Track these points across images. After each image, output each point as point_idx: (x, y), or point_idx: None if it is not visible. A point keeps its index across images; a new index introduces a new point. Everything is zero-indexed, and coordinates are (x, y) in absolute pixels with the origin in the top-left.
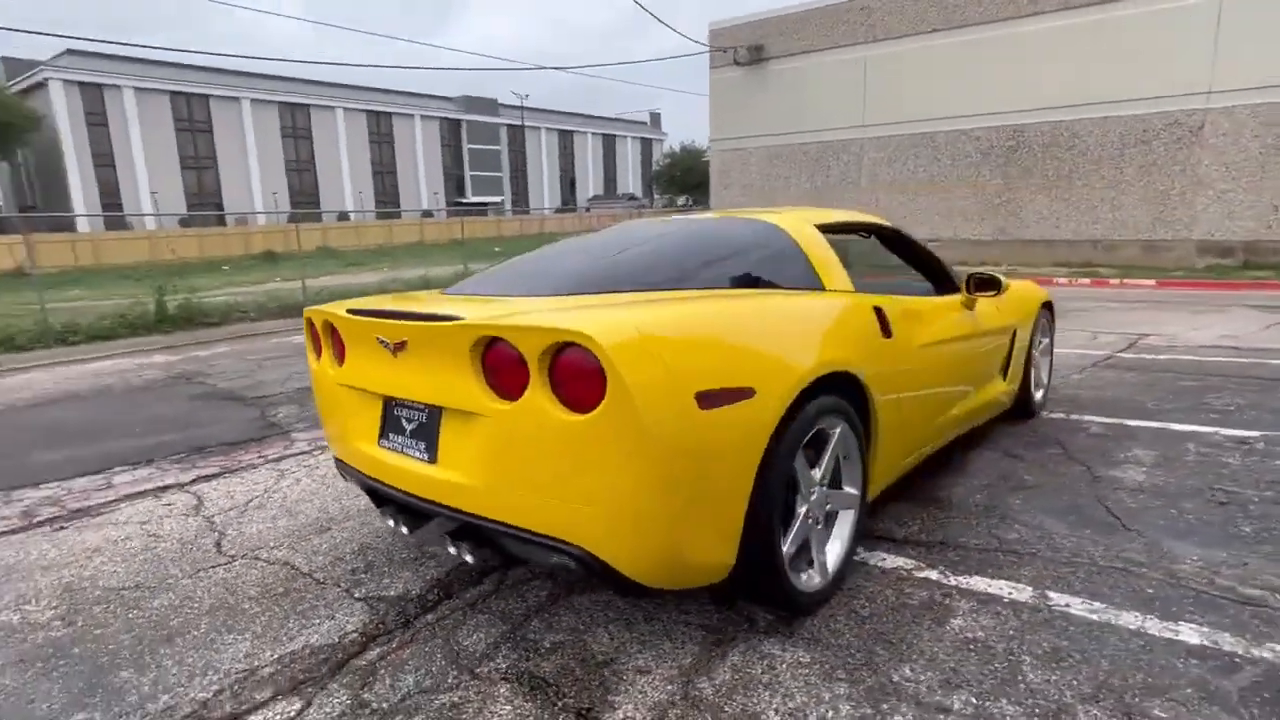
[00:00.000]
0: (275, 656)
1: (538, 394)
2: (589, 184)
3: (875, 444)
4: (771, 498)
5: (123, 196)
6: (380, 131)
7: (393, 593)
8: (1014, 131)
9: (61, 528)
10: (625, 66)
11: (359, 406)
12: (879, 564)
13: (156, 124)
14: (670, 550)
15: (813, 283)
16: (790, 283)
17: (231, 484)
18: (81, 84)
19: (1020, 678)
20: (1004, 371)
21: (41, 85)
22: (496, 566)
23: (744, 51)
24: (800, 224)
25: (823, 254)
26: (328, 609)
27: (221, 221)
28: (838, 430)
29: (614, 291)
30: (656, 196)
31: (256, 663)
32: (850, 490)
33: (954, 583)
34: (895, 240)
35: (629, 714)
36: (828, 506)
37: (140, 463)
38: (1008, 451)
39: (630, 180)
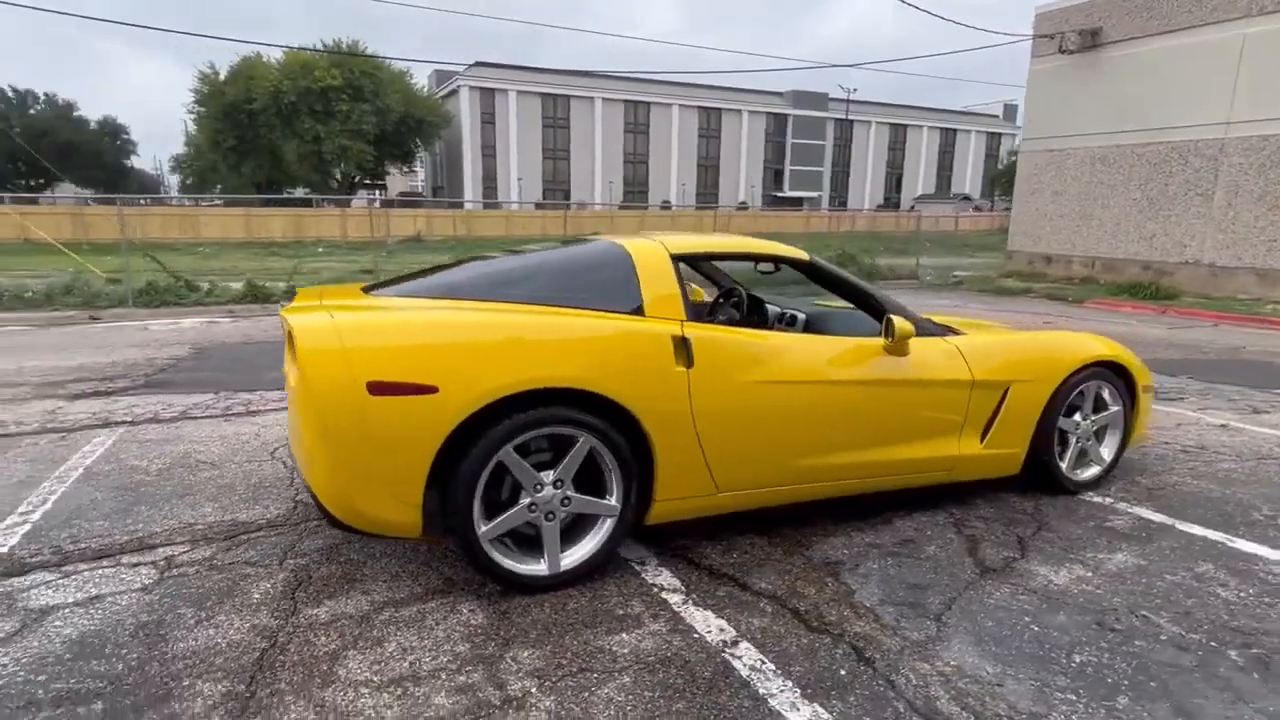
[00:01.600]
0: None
1: (290, 370)
2: (918, 182)
3: (660, 467)
4: (463, 480)
5: (498, 182)
6: (709, 127)
7: (264, 516)
8: None
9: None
10: (985, 59)
11: None
12: (650, 577)
13: (529, 121)
14: (347, 502)
15: (633, 306)
16: (606, 304)
17: None
18: (481, 89)
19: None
20: (984, 432)
21: (455, 91)
22: None
23: (1074, 37)
24: (651, 251)
25: (659, 281)
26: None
27: (565, 206)
28: (580, 441)
29: (465, 299)
30: (997, 197)
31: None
32: (609, 501)
33: (684, 613)
34: (813, 273)
35: (330, 612)
36: (569, 508)
37: None
38: (961, 520)
39: (968, 179)
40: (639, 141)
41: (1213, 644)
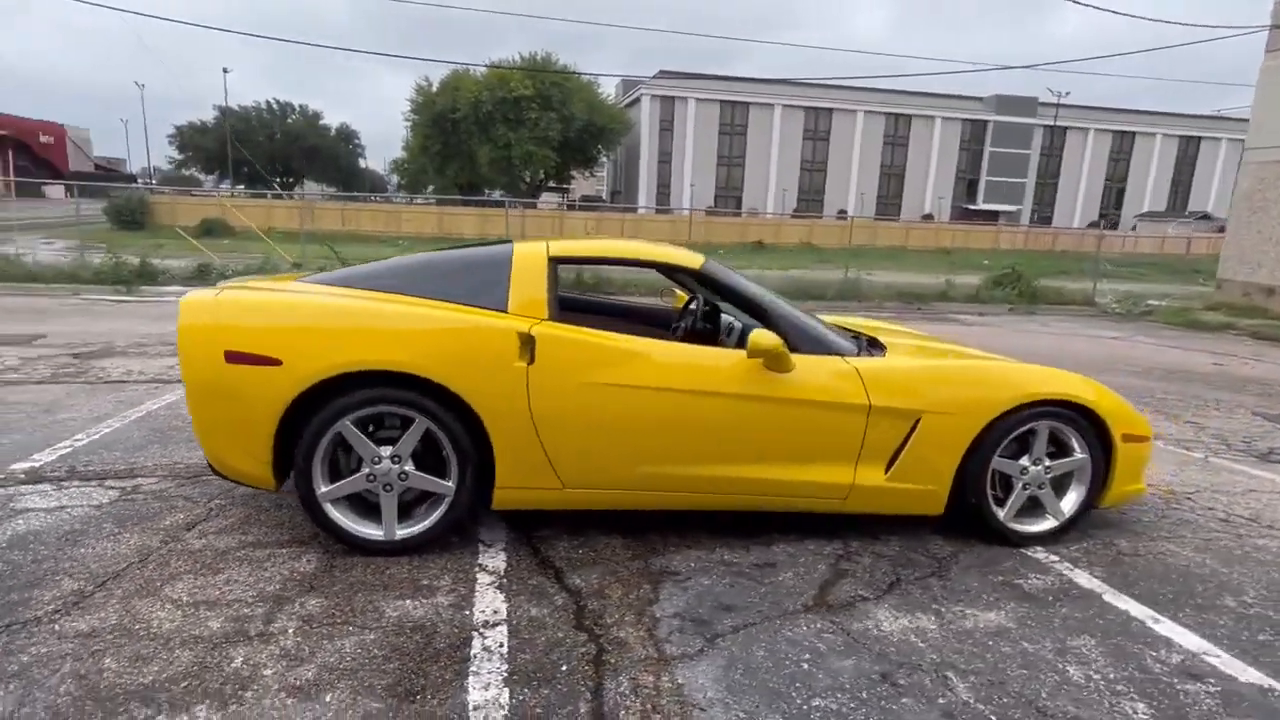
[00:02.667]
0: None
1: None
2: (1144, 197)
3: (499, 455)
4: (304, 444)
5: (671, 188)
6: (896, 133)
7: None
8: None
9: None
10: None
11: None
12: (484, 558)
13: (706, 128)
14: (214, 453)
15: (499, 304)
16: (476, 300)
17: None
18: (662, 97)
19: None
20: (889, 463)
21: (637, 100)
22: None
23: None
24: (531, 253)
25: (528, 281)
26: None
27: (736, 213)
28: (416, 422)
29: (362, 288)
30: None
31: None
32: (447, 482)
33: (480, 594)
34: (703, 281)
35: (204, 544)
36: (406, 482)
37: None
38: (850, 553)
39: (1212, 194)
40: (818, 148)
41: (990, 718)
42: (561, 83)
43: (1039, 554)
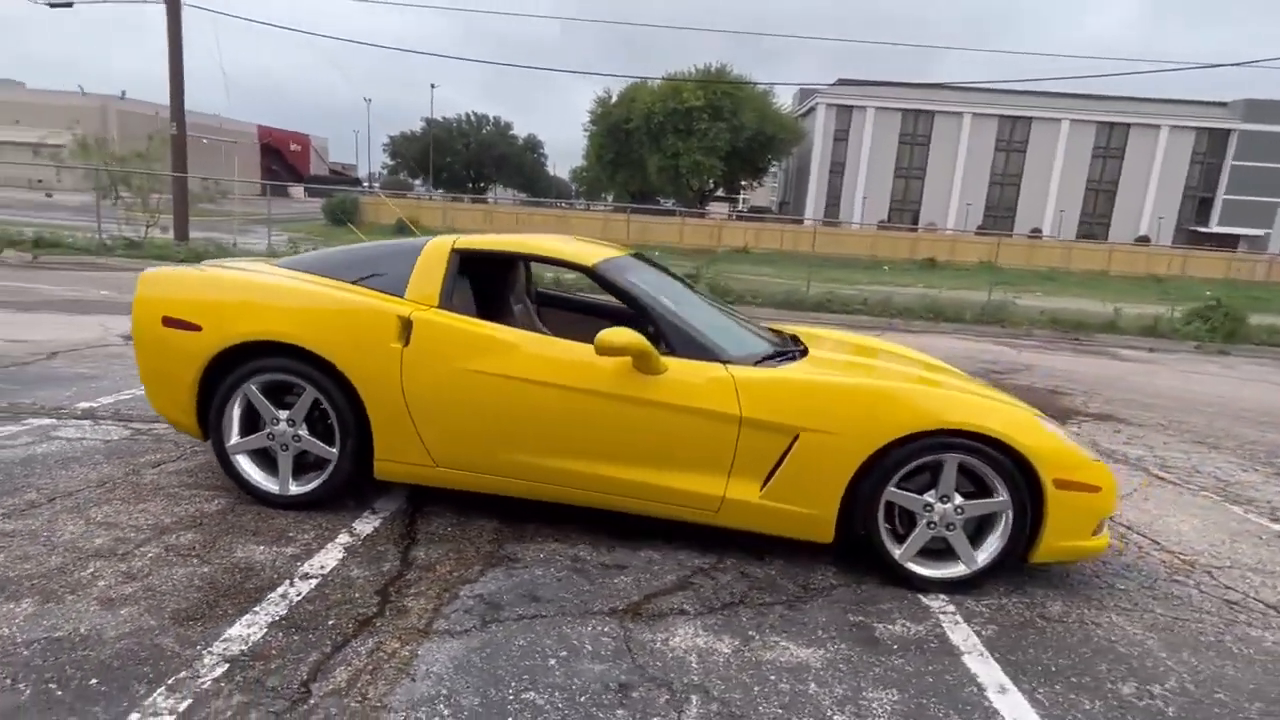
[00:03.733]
0: None
1: None
2: None
3: (375, 429)
4: (216, 401)
5: (841, 200)
6: (1109, 145)
7: None
8: None
9: None
10: None
11: None
12: (354, 521)
13: (884, 138)
14: (154, 403)
15: (399, 290)
16: (383, 286)
17: None
18: (838, 106)
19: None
20: (765, 480)
21: (813, 109)
22: None
23: None
24: (437, 247)
25: (427, 272)
26: None
27: (911, 228)
28: (306, 390)
29: (300, 270)
30: None
31: None
32: (331, 449)
33: (320, 549)
34: (597, 279)
35: (151, 477)
36: (299, 445)
37: None
38: (709, 569)
39: None
40: (1011, 160)
41: None
42: (733, 93)
43: (934, 601)
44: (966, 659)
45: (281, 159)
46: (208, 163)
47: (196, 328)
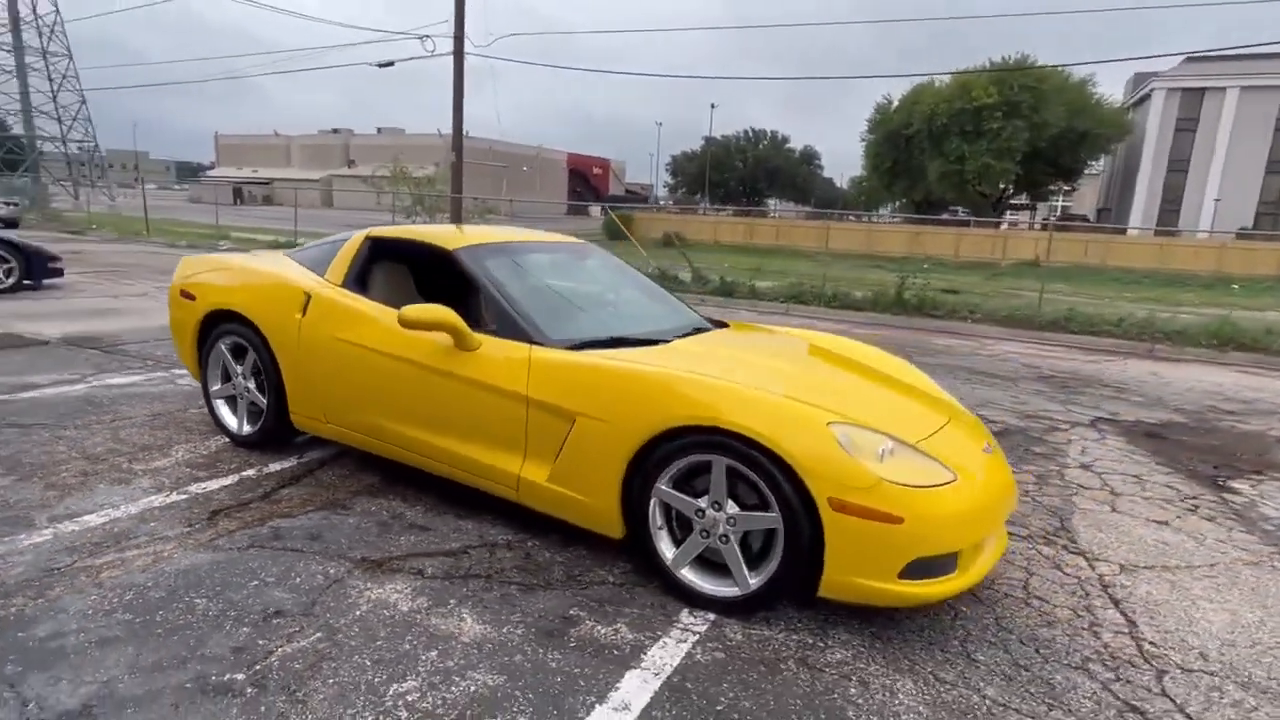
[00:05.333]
0: None
1: None
2: None
3: (287, 386)
4: (203, 357)
5: (1183, 204)
6: None
7: None
8: None
9: None
10: None
11: None
12: (268, 464)
13: (1251, 126)
14: (178, 355)
15: (324, 271)
16: (318, 269)
17: None
18: (1182, 90)
19: None
20: (553, 463)
21: (1147, 97)
22: None
23: None
24: (358, 236)
25: (343, 256)
26: None
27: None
28: (249, 353)
29: (297, 260)
30: None
31: None
32: (261, 398)
33: (251, 470)
34: (457, 267)
35: (143, 420)
36: (250, 396)
37: None
38: (495, 541)
39: None
40: None
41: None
42: (1035, 86)
43: (692, 618)
44: (630, 674)
45: (585, 181)
46: (524, 185)
47: (193, 298)
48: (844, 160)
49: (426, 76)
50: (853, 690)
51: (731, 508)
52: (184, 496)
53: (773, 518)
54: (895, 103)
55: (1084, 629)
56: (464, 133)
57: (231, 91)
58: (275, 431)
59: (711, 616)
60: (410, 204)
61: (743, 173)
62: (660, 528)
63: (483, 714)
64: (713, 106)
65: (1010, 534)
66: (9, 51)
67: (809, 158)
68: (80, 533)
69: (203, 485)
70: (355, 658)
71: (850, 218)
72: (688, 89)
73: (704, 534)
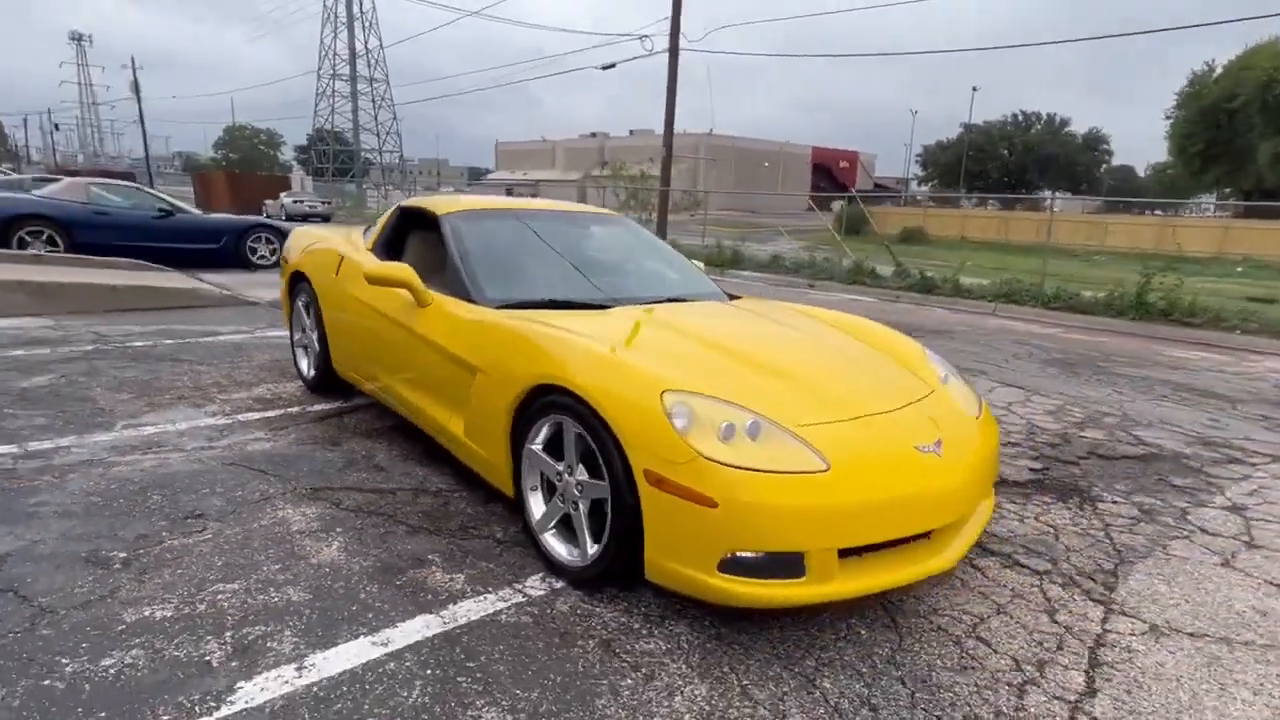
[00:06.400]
0: None
1: None
2: None
3: (326, 330)
4: (292, 309)
5: None
6: None
7: None
8: None
9: None
10: None
11: None
12: (314, 404)
13: None
14: (283, 309)
15: (366, 238)
16: (365, 235)
17: None
18: None
19: None
20: (466, 415)
21: None
22: None
23: None
24: (394, 207)
25: (379, 226)
26: None
27: None
28: (311, 306)
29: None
30: None
31: None
32: (319, 346)
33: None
34: (433, 225)
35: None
36: (312, 346)
37: None
38: (450, 492)
39: None
40: None
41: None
42: None
43: (537, 583)
44: (421, 618)
45: (830, 176)
46: (761, 180)
47: (287, 261)
48: (1149, 146)
49: (683, 77)
50: (628, 681)
51: (581, 473)
52: (227, 421)
53: (604, 486)
54: (1218, 70)
55: (1007, 686)
56: (709, 131)
57: (510, 100)
58: (326, 377)
59: (559, 585)
60: (624, 199)
61: (1008, 161)
62: (534, 489)
63: (259, 620)
64: (974, 90)
65: (1021, 564)
66: (346, 81)
67: (1094, 142)
68: (133, 437)
69: (250, 415)
70: (215, 558)
71: (1154, 211)
72: (952, 74)
73: (561, 498)
